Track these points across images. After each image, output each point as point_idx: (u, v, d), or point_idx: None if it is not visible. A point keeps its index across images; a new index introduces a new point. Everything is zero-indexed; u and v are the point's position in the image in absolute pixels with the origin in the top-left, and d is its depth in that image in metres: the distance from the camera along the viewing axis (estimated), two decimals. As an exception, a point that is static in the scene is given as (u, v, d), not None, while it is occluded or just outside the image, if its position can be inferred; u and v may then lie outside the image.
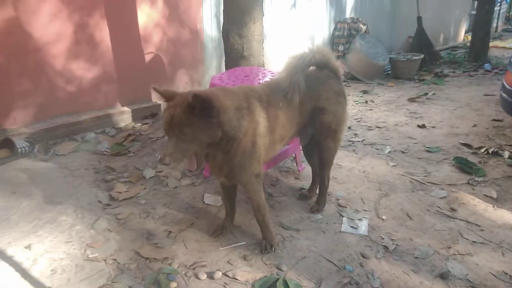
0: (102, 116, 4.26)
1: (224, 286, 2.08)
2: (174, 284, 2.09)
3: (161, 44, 4.70)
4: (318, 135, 2.56)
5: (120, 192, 2.97)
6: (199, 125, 1.88)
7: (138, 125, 4.40)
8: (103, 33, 4.18)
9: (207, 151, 2.05)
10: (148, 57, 4.63)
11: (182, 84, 5.02)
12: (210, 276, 2.14)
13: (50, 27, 3.79)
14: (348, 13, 7.41)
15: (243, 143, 2.08)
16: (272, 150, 2.36)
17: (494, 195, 2.97)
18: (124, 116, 4.44)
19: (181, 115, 1.85)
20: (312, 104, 2.46)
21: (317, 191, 2.82)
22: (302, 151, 3.06)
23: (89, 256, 2.28)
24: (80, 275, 2.14)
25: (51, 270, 2.17)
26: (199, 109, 1.85)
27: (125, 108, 4.49)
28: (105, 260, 2.26)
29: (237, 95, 2.11)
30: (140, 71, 4.61)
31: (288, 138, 2.51)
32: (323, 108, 2.47)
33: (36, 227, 2.52)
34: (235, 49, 3.47)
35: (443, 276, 2.15)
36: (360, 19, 7.13)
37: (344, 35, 6.97)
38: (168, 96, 1.97)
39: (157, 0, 4.53)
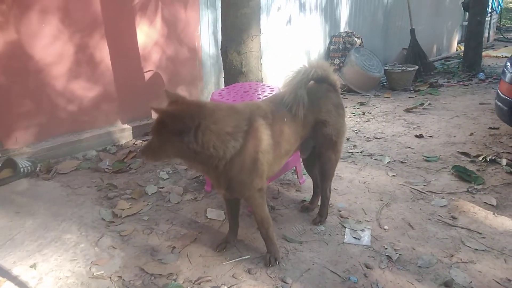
0: (103, 134, 4.30)
1: (230, 300, 2.09)
2: (180, 300, 2.10)
3: (160, 62, 4.77)
4: (320, 147, 2.60)
5: (123, 209, 2.99)
6: (166, 138, 1.96)
7: (139, 141, 4.43)
8: (103, 53, 4.25)
9: (192, 164, 2.12)
10: (147, 75, 4.69)
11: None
12: (216, 290, 2.15)
13: (51, 49, 3.85)
14: (343, 27, 7.54)
15: (238, 160, 2.09)
16: (277, 165, 2.41)
17: (494, 202, 3.00)
18: (124, 134, 4.48)
19: (157, 122, 1.96)
20: (314, 118, 2.51)
21: (319, 203, 2.85)
22: (302, 164, 3.10)
23: (94, 274, 2.29)
24: (86, 293, 2.15)
25: (56, 289, 2.18)
26: (171, 125, 1.91)
27: (126, 126, 4.53)
28: (110, 277, 2.27)
29: (238, 116, 2.14)
30: (140, 89, 4.66)
31: (292, 152, 2.55)
32: (324, 121, 2.53)
33: (40, 246, 2.53)
34: (234, 66, 3.53)
35: (447, 284, 2.17)
36: (354, 32, 7.25)
37: (339, 48, 7.08)
38: (171, 99, 2.02)
39: (155, 20, 4.61)
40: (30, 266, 2.33)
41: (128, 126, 4.54)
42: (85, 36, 4.07)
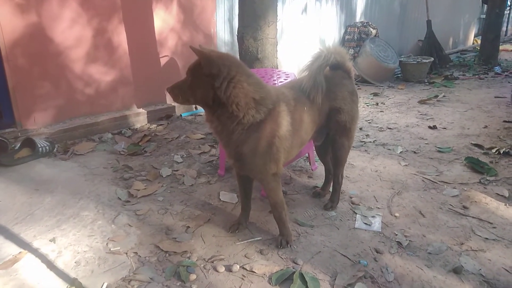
0: (118, 117, 4.37)
1: (242, 279, 2.14)
2: (193, 276, 2.15)
3: (175, 48, 4.81)
4: (334, 134, 2.63)
5: (139, 190, 3.06)
6: (199, 79, 2.01)
7: (154, 126, 4.50)
8: (120, 37, 4.30)
9: (211, 118, 2.14)
10: (163, 61, 4.74)
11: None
12: (228, 269, 2.21)
13: (70, 32, 3.92)
14: (358, 17, 7.49)
15: (253, 138, 2.11)
16: (293, 152, 2.43)
17: (506, 193, 3.00)
18: (139, 118, 4.55)
19: (194, 63, 2.02)
20: (330, 105, 2.53)
21: (331, 189, 2.88)
22: (315, 151, 3.12)
23: (111, 249, 2.36)
24: (103, 267, 2.22)
25: (75, 262, 2.25)
26: (205, 67, 1.96)
27: (141, 110, 4.60)
28: (126, 253, 2.33)
29: (268, 92, 2.16)
30: (156, 74, 4.72)
31: (308, 140, 2.58)
32: (339, 108, 2.54)
33: (59, 221, 2.61)
34: (250, 52, 3.56)
35: (456, 270, 2.19)
36: (370, 23, 7.20)
37: (354, 38, 7.04)
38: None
39: (172, 6, 4.64)
40: (50, 240, 2.42)
41: (143, 110, 4.61)
42: (104, 20, 4.13)
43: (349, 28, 7.16)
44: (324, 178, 3.04)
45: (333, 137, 2.64)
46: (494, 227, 2.61)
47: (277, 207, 2.37)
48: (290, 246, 2.39)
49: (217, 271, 2.19)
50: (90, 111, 4.26)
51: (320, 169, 3.35)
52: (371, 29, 7.07)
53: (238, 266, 2.21)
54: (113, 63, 4.32)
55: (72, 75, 4.04)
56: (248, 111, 2.05)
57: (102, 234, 2.51)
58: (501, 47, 9.10)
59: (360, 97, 5.76)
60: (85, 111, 4.22)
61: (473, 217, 2.72)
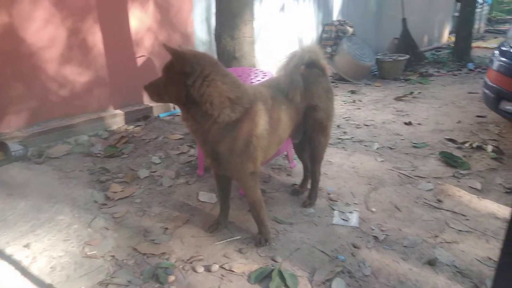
0: (95, 119, 4.30)
1: (221, 278, 2.14)
2: (172, 278, 2.15)
3: (153, 48, 4.76)
4: (310, 132, 2.65)
5: (116, 192, 3.02)
6: (172, 77, 2.01)
7: (131, 127, 4.45)
8: (95, 37, 4.23)
9: (186, 116, 2.12)
10: (140, 61, 4.68)
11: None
12: (207, 269, 2.21)
13: (43, 33, 3.83)
14: (335, 15, 7.56)
15: (229, 138, 2.11)
16: (271, 151, 2.44)
17: (479, 186, 3.09)
18: (116, 119, 4.49)
19: (168, 62, 2.02)
20: (306, 103, 2.55)
21: (309, 186, 2.91)
22: (293, 149, 3.14)
23: (88, 254, 2.33)
24: (79, 272, 2.19)
25: (50, 267, 2.21)
26: (177, 65, 1.97)
27: (118, 111, 4.54)
28: (103, 257, 2.31)
29: (244, 91, 2.16)
30: (132, 75, 4.66)
31: (286, 139, 2.59)
32: (316, 105, 2.57)
33: (34, 226, 2.56)
34: (227, 51, 3.55)
35: (431, 262, 2.25)
36: (347, 21, 7.27)
37: (331, 37, 7.10)
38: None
39: (148, 5, 4.59)
40: (24, 246, 2.36)
41: (120, 111, 4.55)
42: (78, 20, 4.05)
43: (326, 27, 7.22)
44: (302, 176, 3.07)
45: (310, 134, 2.67)
46: (467, 219, 2.68)
47: (255, 206, 2.38)
48: (268, 244, 2.40)
49: (196, 271, 2.19)
50: (65, 113, 4.18)
51: (298, 166, 3.37)
52: (348, 28, 7.15)
53: (217, 266, 2.22)
54: (88, 64, 4.24)
55: (46, 77, 3.95)
56: (223, 110, 2.05)
57: (78, 238, 2.47)
58: (474, 44, 9.33)
59: (337, 95, 5.84)
60: (60, 113, 4.13)
61: (447, 210, 2.78)
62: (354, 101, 5.66)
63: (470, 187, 3.09)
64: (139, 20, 4.55)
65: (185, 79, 1.97)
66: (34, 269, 2.19)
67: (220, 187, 2.53)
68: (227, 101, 2.06)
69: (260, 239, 2.41)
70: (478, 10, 11.00)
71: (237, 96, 2.10)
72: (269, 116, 2.26)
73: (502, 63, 3.64)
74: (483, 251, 2.35)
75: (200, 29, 5.21)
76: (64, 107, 4.15)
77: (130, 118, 4.59)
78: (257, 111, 2.19)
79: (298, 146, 2.96)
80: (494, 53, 3.97)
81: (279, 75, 2.51)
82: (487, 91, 3.93)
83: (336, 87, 6.54)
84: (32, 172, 3.34)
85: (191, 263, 2.26)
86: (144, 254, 2.33)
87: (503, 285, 0.95)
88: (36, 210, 2.74)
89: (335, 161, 3.57)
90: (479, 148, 3.76)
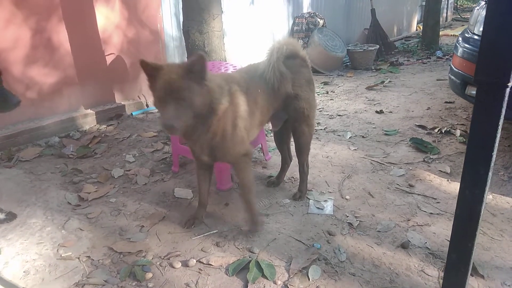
0: (65, 120, 4.20)
1: (199, 272, 2.15)
2: (149, 275, 2.13)
3: (121, 45, 4.68)
4: (293, 122, 2.67)
5: (89, 193, 2.97)
6: (195, 89, 1.95)
7: (103, 126, 4.37)
8: (61, 37, 4.12)
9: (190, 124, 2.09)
10: (109, 59, 4.60)
11: (145, 84, 4.99)
12: (185, 264, 2.21)
13: (5, 33, 3.71)
14: (306, 8, 7.61)
15: (222, 124, 2.16)
16: (253, 132, 2.48)
17: (448, 170, 3.19)
18: (88, 119, 4.40)
19: (179, 80, 1.91)
20: (287, 91, 2.58)
21: (285, 178, 2.93)
22: (273, 139, 3.14)
23: (62, 255, 2.29)
24: (54, 274, 2.15)
25: (24, 272, 2.16)
26: (194, 73, 1.93)
27: (89, 111, 4.45)
28: (78, 258, 2.27)
29: (218, 77, 2.21)
30: (102, 73, 4.57)
31: (265, 122, 2.64)
32: (296, 95, 2.59)
33: (5, 231, 2.49)
34: (197, 46, 3.53)
35: (404, 246, 2.31)
36: (317, 13, 7.34)
37: (302, 29, 7.15)
38: (155, 68, 1.98)
39: (114, 2, 4.50)
40: (-5, 252, 2.31)
41: (91, 111, 4.46)
42: (42, 19, 3.93)
43: (297, 19, 7.26)
44: (279, 167, 3.09)
45: (293, 125, 2.69)
46: (438, 202, 2.77)
47: (246, 188, 2.42)
48: (257, 229, 2.45)
49: (173, 267, 2.19)
50: (34, 115, 4.07)
51: (274, 159, 3.40)
52: (319, 20, 7.21)
53: (194, 261, 2.22)
54: (55, 64, 4.13)
55: (11, 78, 3.83)
56: (221, 100, 2.11)
57: (51, 240, 2.42)
58: (441, 32, 9.58)
59: (311, 87, 5.89)
60: (28, 115, 4.02)
61: (418, 194, 2.87)
62: (327, 92, 5.73)
63: (440, 171, 3.19)
64: (106, 18, 4.46)
65: (202, 81, 1.97)
66: (7, 274, 2.14)
67: (202, 181, 2.54)
68: (220, 89, 2.11)
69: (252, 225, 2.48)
70: (444, -1, 11.28)
71: (222, 83, 2.16)
72: (246, 98, 2.31)
73: (465, 49, 3.74)
74: (453, 231, 2.43)
75: (169, 25, 5.15)
76: (32, 109, 4.04)
77: (102, 118, 4.52)
78: (235, 93, 2.24)
79: (278, 135, 2.98)
80: (459, 40, 4.08)
81: (262, 66, 2.52)
82: (453, 77, 4.03)
83: (309, 79, 6.59)
84: (2, 176, 3.25)
85: (168, 259, 2.26)
86: (121, 253, 2.31)
87: (455, 256, 0.99)
88: (7, 215, 2.67)
89: (310, 152, 3.60)
90: (448, 133, 3.88)
